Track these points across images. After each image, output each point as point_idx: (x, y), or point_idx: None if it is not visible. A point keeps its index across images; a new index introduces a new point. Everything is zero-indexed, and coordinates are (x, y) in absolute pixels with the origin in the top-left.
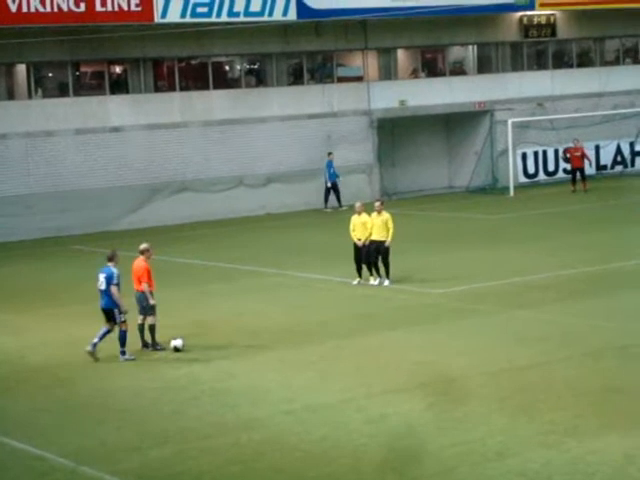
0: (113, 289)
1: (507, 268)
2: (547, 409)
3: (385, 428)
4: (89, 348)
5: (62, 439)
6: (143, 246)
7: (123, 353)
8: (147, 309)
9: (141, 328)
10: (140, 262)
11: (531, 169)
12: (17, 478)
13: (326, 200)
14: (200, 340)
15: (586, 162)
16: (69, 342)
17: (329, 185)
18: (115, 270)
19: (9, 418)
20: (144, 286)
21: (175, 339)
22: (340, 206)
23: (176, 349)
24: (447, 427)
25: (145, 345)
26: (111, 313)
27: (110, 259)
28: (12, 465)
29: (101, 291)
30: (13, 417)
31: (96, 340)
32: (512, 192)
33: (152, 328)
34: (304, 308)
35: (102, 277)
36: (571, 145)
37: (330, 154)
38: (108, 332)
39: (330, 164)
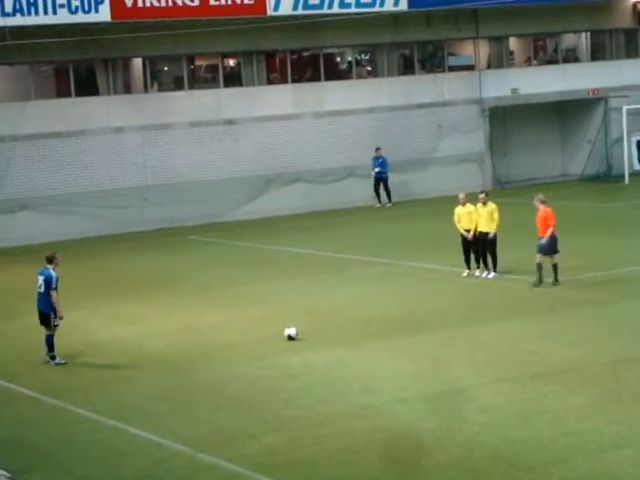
0: (52, 294)
1: (622, 257)
2: None
3: (498, 418)
4: (52, 363)
5: (179, 426)
6: (540, 198)
7: (53, 358)
8: (548, 249)
9: (539, 268)
10: (543, 211)
11: None
12: (137, 464)
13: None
14: (313, 329)
15: None
16: (185, 330)
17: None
18: (54, 273)
19: (128, 405)
20: (549, 231)
21: (289, 328)
22: (379, 202)
23: (290, 338)
24: (561, 417)
25: (541, 280)
26: (47, 317)
27: (50, 261)
28: (132, 451)
29: (39, 293)
30: (132, 404)
31: (50, 354)
32: (627, 180)
33: (555, 266)
34: (415, 297)
35: (41, 279)
36: None
37: (378, 149)
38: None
39: (377, 159)
